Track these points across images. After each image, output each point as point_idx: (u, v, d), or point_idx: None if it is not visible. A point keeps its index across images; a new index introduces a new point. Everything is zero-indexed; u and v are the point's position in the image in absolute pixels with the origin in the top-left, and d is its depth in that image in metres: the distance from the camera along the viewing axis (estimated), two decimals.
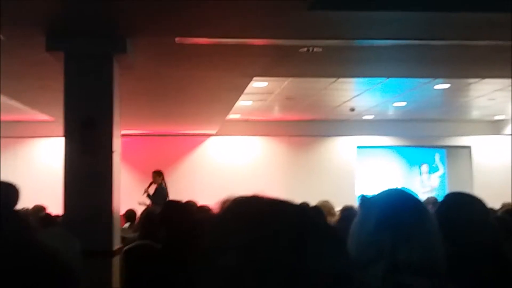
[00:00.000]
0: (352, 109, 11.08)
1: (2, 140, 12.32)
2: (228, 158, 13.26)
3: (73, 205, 5.16)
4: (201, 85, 7.61)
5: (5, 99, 8.65)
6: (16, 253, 1.52)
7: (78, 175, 5.18)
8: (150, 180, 11.27)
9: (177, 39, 5.29)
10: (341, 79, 8.29)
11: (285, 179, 13.05)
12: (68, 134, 5.25)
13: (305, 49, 5.77)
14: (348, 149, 13.59)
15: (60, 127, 10.46)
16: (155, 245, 4.66)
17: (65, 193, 5.19)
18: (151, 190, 11.17)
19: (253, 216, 0.87)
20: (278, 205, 0.89)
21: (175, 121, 11.23)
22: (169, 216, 4.10)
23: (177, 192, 11.79)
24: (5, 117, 11.27)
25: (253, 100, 10.01)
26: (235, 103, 9.05)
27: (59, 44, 5.20)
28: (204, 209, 5.75)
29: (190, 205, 5.61)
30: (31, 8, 4.51)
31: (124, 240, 5.69)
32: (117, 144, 5.43)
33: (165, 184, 11.33)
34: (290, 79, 8.16)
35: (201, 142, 13.31)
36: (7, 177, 11.64)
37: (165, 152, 13.00)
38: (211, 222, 0.94)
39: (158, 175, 11.35)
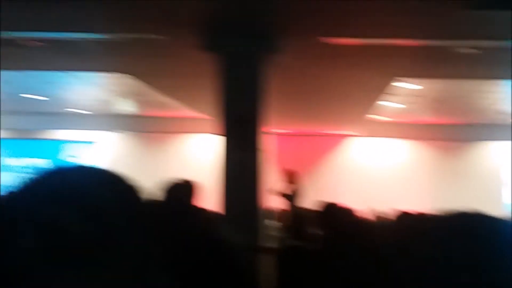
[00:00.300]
0: None
1: (154, 135, 12.98)
2: (370, 160, 13.04)
3: (226, 200, 5.29)
4: (342, 84, 7.55)
5: (159, 96, 9.10)
6: (203, 249, 1.54)
7: (231, 171, 5.31)
8: (290, 178, 11.32)
9: (323, 39, 5.28)
10: (494, 81, 7.87)
11: (428, 184, 12.61)
12: (223, 132, 5.38)
13: (460, 50, 5.52)
14: (496, 155, 12.89)
15: (210, 124, 10.86)
16: (305, 246, 4.64)
17: (219, 187, 5.33)
18: (286, 190, 11.18)
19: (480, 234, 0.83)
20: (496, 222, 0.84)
21: (318, 120, 11.24)
22: (325, 218, 4.05)
23: (317, 192, 11.77)
24: (158, 113, 11.89)
25: (400, 102, 9.76)
26: (374, 103, 8.88)
27: (215, 45, 5.35)
28: (354, 212, 5.64)
29: (341, 206, 5.51)
30: (190, 10, 4.67)
31: (270, 238, 5.75)
32: (266, 141, 5.50)
33: (300, 184, 11.27)
34: (440, 81, 7.86)
35: (342, 142, 13.20)
36: (158, 171, 12.24)
37: (307, 151, 13.03)
38: (426, 231, 0.89)
39: (292, 175, 11.35)
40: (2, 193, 0.75)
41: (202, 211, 2.62)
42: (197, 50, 5.48)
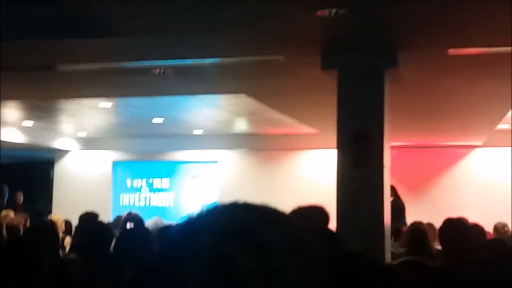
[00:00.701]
0: None
1: (269, 152, 13.23)
2: (495, 171, 12.50)
3: (345, 217, 5.32)
4: (470, 95, 7.35)
5: (277, 115, 9.31)
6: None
7: (350, 188, 5.34)
8: (412, 192, 11.13)
9: (450, 50, 5.20)
10: None
11: None
12: (341, 147, 5.44)
13: None
14: None
15: (324, 140, 10.93)
16: (426, 262, 4.59)
17: (338, 204, 5.38)
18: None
19: None
20: None
21: (440, 132, 10.98)
22: (448, 234, 4.01)
23: (439, 207, 11.47)
24: (273, 130, 12.13)
25: None
26: (506, 113, 8.56)
27: (334, 62, 5.44)
28: (479, 228, 5.50)
29: (466, 223, 5.40)
30: (308, 29, 4.79)
31: (391, 255, 5.71)
32: (388, 157, 5.48)
33: (400, 198, 10.95)
34: None
35: (465, 154, 12.77)
36: (270, 188, 12.47)
37: (427, 164, 12.73)
38: None
39: (391, 190, 11.10)
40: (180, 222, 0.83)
41: (335, 234, 2.69)
42: (314, 68, 5.60)
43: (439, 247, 5.75)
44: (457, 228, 4.36)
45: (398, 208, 10.63)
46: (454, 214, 7.44)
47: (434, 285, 3.65)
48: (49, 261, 3.31)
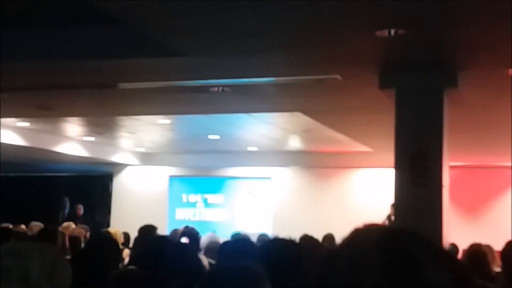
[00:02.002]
0: None
1: (322, 170, 13.20)
2: None
3: None
4: None
5: (332, 133, 9.31)
6: None
7: (408, 207, 5.30)
8: (469, 212, 10.94)
9: (511, 70, 5.12)
10: None
11: None
12: (399, 167, 5.41)
13: None
14: None
15: (378, 158, 10.84)
16: (485, 284, 4.51)
17: (395, 223, 5.35)
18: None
19: None
20: None
21: (498, 152, 10.75)
22: (510, 256, 3.94)
23: (497, 228, 11.18)
24: (327, 148, 12.11)
25: None
26: None
27: (391, 82, 5.43)
28: None
29: None
30: (367, 49, 4.81)
31: None
32: (446, 178, 5.42)
33: None
34: None
35: None
36: (323, 205, 12.35)
37: (485, 185, 12.45)
38: None
39: (393, 206, 11.00)
40: None
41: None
42: (371, 87, 5.61)
43: (497, 269, 5.63)
44: None
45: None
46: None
47: None
48: (115, 271, 3.41)
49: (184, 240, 6.96)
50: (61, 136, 11.40)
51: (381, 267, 0.74)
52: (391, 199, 5.45)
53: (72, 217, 12.44)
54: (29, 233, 7.34)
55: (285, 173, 13.61)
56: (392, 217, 10.98)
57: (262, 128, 9.87)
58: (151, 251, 4.01)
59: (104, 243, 4.47)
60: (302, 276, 2.81)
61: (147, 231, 6.60)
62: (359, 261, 0.76)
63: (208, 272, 2.40)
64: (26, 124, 9.78)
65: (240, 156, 13.21)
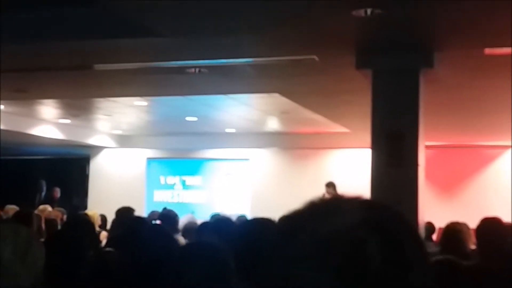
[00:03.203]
0: None
1: (300, 151, 13.25)
2: None
3: None
4: (505, 95, 7.26)
5: (310, 114, 9.33)
6: None
7: (385, 187, 5.35)
8: (445, 191, 11.09)
9: (486, 50, 5.16)
10: None
11: None
12: (375, 147, 5.45)
13: None
14: None
15: (356, 139, 10.90)
16: (460, 262, 4.57)
17: None
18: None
19: None
20: None
21: (474, 132, 10.88)
22: (485, 233, 3.99)
23: (473, 207, 11.35)
24: (305, 129, 12.15)
25: None
26: None
27: (368, 62, 5.45)
28: None
29: (502, 222, 5.35)
30: (343, 29, 4.81)
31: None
32: (422, 157, 5.47)
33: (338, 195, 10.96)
34: None
35: (499, 154, 12.61)
36: (301, 186, 12.44)
37: (460, 164, 12.61)
38: None
39: (329, 186, 11.35)
40: None
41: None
42: (348, 68, 5.62)
43: (473, 247, 5.71)
44: (493, 228, 4.34)
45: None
46: (488, 214, 7.38)
47: (468, 284, 3.64)
48: (91, 252, 3.39)
49: (158, 222, 6.95)
50: (37, 119, 11.28)
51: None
52: (368, 179, 5.49)
53: (49, 200, 12.34)
54: (4, 216, 7.27)
55: (263, 155, 13.63)
56: (326, 195, 11.17)
57: (239, 109, 9.86)
58: (127, 233, 4.00)
59: (80, 225, 4.45)
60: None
61: (125, 213, 6.59)
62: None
63: (177, 250, 2.42)
64: (0, 107, 9.65)
65: (218, 137, 13.20)
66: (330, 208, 0.77)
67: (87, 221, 5.24)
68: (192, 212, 9.38)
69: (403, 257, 0.73)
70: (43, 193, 13.85)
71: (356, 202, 0.79)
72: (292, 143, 13.16)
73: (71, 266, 2.95)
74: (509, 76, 6.24)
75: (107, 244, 5.16)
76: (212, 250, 2.30)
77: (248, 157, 13.69)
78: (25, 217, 5.66)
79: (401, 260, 0.73)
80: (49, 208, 8.63)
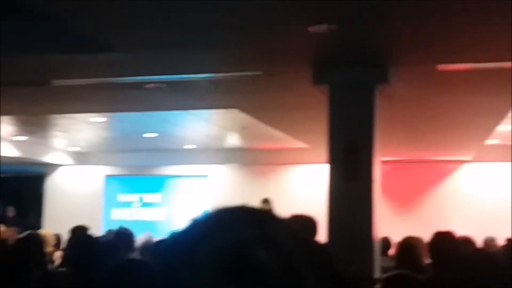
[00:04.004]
0: None
1: (260, 167, 13.28)
2: (484, 186, 12.60)
3: (335, 230, 5.37)
4: (459, 110, 7.45)
5: (269, 129, 9.37)
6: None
7: (340, 201, 5.40)
8: (401, 206, 11.23)
9: (439, 66, 5.30)
10: None
11: None
12: (332, 161, 5.50)
13: None
14: None
15: (315, 154, 10.99)
16: (416, 276, 4.63)
17: (329, 218, 5.44)
18: None
19: None
20: None
21: (429, 147, 11.08)
22: (438, 247, 4.06)
23: (429, 221, 11.52)
24: (264, 145, 12.19)
25: None
26: (494, 128, 8.66)
27: (324, 77, 5.52)
28: (468, 241, 5.56)
29: (455, 236, 5.47)
30: (299, 45, 4.87)
31: (381, 269, 5.75)
32: (377, 172, 5.55)
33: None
34: None
35: (454, 169, 12.87)
36: (256, 202, 12.45)
37: (417, 179, 12.81)
38: None
39: (264, 203, 11.60)
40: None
41: (322, 245, 2.75)
42: (305, 83, 5.68)
43: (428, 261, 5.81)
44: (446, 241, 4.42)
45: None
46: (443, 229, 7.51)
47: None
48: (38, 272, 3.34)
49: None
50: None
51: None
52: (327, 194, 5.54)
53: (3, 219, 12.06)
54: None
55: (223, 171, 13.61)
56: None
57: (199, 125, 9.85)
58: (80, 251, 3.95)
59: (28, 244, 4.36)
60: None
61: (79, 232, 6.50)
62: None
63: (109, 266, 2.41)
64: None
65: (177, 154, 13.13)
66: (217, 224, 0.75)
67: (37, 240, 5.14)
68: (151, 229, 9.29)
69: (292, 268, 0.71)
70: None
71: (245, 215, 0.77)
72: (252, 159, 13.19)
73: (17, 286, 2.89)
74: (463, 91, 6.41)
75: (61, 264, 5.08)
76: (141, 268, 2.31)
77: (207, 174, 13.65)
78: None
79: (290, 271, 0.71)
80: (2, 227, 8.45)
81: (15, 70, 5.74)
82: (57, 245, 8.38)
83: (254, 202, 12.93)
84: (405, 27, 4.38)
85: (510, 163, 12.20)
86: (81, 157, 13.85)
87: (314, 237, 2.99)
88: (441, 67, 5.34)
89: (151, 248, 5.69)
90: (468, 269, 3.67)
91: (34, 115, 8.95)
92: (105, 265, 3.01)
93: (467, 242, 5.84)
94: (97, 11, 4.12)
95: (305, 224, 3.08)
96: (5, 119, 9.44)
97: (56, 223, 11.72)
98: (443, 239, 4.43)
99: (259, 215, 0.78)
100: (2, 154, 11.60)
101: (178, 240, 0.75)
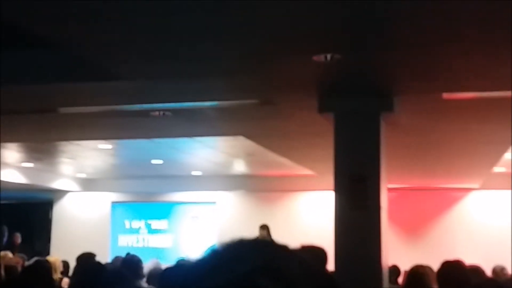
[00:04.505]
0: None
1: (267, 194, 13.26)
2: (492, 214, 12.51)
3: (343, 258, 5.33)
4: (465, 138, 7.44)
5: (275, 156, 9.38)
6: None
7: (347, 230, 5.37)
8: (409, 234, 11.17)
9: (444, 94, 5.30)
10: None
11: None
12: (338, 190, 5.48)
13: None
14: None
15: (321, 181, 10.98)
16: None
17: (336, 246, 5.40)
18: None
19: None
20: None
21: (436, 174, 11.04)
22: (447, 276, 4.03)
23: (437, 249, 11.44)
24: (271, 172, 12.18)
25: None
26: (501, 156, 8.63)
27: (329, 106, 5.53)
28: (477, 270, 5.50)
29: (464, 265, 5.42)
30: (304, 74, 4.90)
31: None
32: (384, 200, 5.52)
33: (271, 237, 11.39)
34: None
35: (462, 196, 12.80)
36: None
37: (424, 206, 12.75)
38: None
39: (263, 229, 11.59)
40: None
41: (330, 274, 2.74)
42: (310, 111, 5.69)
43: None
44: (455, 270, 4.39)
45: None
46: (452, 257, 7.45)
47: None
48: None
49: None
50: None
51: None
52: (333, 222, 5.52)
53: (10, 246, 12.06)
54: None
55: (229, 198, 13.59)
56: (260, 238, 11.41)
57: (205, 152, 9.86)
58: (87, 279, 3.94)
59: (36, 272, 4.36)
60: None
61: (86, 259, 6.49)
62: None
63: None
64: None
65: (184, 180, 13.14)
66: (228, 256, 0.78)
67: (45, 268, 5.14)
68: (158, 256, 9.25)
69: None
70: (5, 239, 13.53)
71: (254, 246, 0.80)
72: (259, 186, 13.18)
73: None
74: (468, 119, 6.40)
75: None
76: None
77: (214, 200, 13.64)
78: None
79: None
80: (9, 254, 8.45)
81: (23, 98, 5.79)
82: (64, 272, 8.37)
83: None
84: (409, 56, 4.39)
85: None
86: (88, 184, 13.88)
87: (324, 267, 2.98)
88: (447, 95, 5.34)
89: (158, 276, 5.67)
90: None
91: (42, 142, 9.00)
92: None
93: (476, 271, 5.78)
94: (103, 41, 4.16)
95: (315, 254, 3.07)
96: (13, 146, 9.50)
97: (63, 249, 11.72)
98: (452, 268, 4.40)
99: (265, 246, 0.80)
100: (10, 181, 11.65)
101: (186, 276, 0.78)
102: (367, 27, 3.81)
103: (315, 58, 4.34)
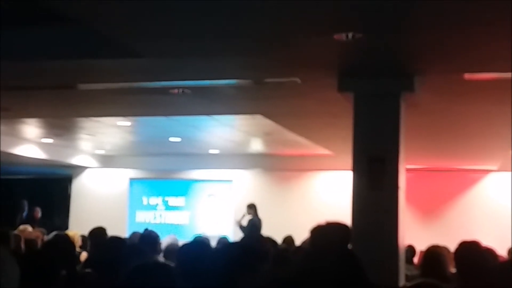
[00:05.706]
0: None
1: (284, 173, 13.28)
2: (509, 196, 12.44)
3: (360, 238, 5.34)
4: (485, 119, 7.37)
5: (293, 136, 9.37)
6: None
7: (365, 210, 5.37)
8: (426, 214, 11.16)
9: (466, 75, 5.24)
10: None
11: None
12: (356, 170, 5.47)
13: None
14: None
15: (339, 161, 10.97)
16: (440, 285, 4.59)
17: (353, 226, 5.40)
18: (244, 222, 11.51)
19: None
20: None
21: (455, 155, 10.98)
22: (463, 257, 4.02)
23: (453, 230, 11.42)
24: (288, 151, 12.19)
25: None
26: None
27: (350, 85, 5.50)
28: (492, 252, 5.47)
29: (481, 246, 5.39)
30: (325, 53, 4.87)
31: (406, 277, 5.70)
32: (402, 180, 5.51)
33: (257, 217, 11.49)
34: None
35: (480, 178, 12.74)
36: (284, 208, 12.55)
37: (442, 187, 12.71)
38: None
39: (250, 208, 11.64)
40: None
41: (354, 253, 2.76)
42: (330, 90, 5.67)
43: (454, 270, 5.75)
44: (472, 251, 4.38)
45: (254, 225, 11.19)
46: (468, 238, 7.41)
47: None
48: (64, 272, 3.38)
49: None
50: (19, 138, 11.20)
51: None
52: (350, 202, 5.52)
53: (30, 220, 12.23)
54: None
55: (246, 176, 13.63)
56: (246, 216, 11.60)
57: (223, 130, 9.88)
58: (105, 253, 3.99)
59: (58, 245, 4.42)
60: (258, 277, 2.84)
61: (97, 234, 6.57)
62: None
63: (131, 268, 2.45)
64: None
65: (201, 158, 13.19)
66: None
67: (66, 240, 5.21)
68: (175, 233, 9.33)
69: None
70: (25, 213, 13.73)
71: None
72: (276, 165, 13.19)
73: (43, 286, 2.94)
74: (489, 100, 6.34)
75: (85, 265, 5.13)
76: (159, 271, 2.36)
77: (231, 179, 13.69)
78: (2, 236, 5.62)
79: None
80: (29, 228, 8.56)
81: (43, 74, 5.83)
82: (83, 247, 8.48)
83: (277, 207, 12.93)
84: (431, 36, 4.35)
85: None
86: (107, 160, 13.99)
87: (347, 242, 3.01)
88: (468, 76, 5.29)
89: (176, 251, 5.73)
90: (496, 280, 3.62)
91: (61, 118, 9.07)
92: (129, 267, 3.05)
93: (491, 253, 5.76)
94: (124, 19, 4.16)
95: (339, 229, 3.09)
96: (33, 121, 9.59)
97: (81, 224, 11.85)
98: (469, 249, 4.39)
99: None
100: (30, 156, 11.78)
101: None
102: (389, 6, 3.77)
103: (336, 36, 4.31)
